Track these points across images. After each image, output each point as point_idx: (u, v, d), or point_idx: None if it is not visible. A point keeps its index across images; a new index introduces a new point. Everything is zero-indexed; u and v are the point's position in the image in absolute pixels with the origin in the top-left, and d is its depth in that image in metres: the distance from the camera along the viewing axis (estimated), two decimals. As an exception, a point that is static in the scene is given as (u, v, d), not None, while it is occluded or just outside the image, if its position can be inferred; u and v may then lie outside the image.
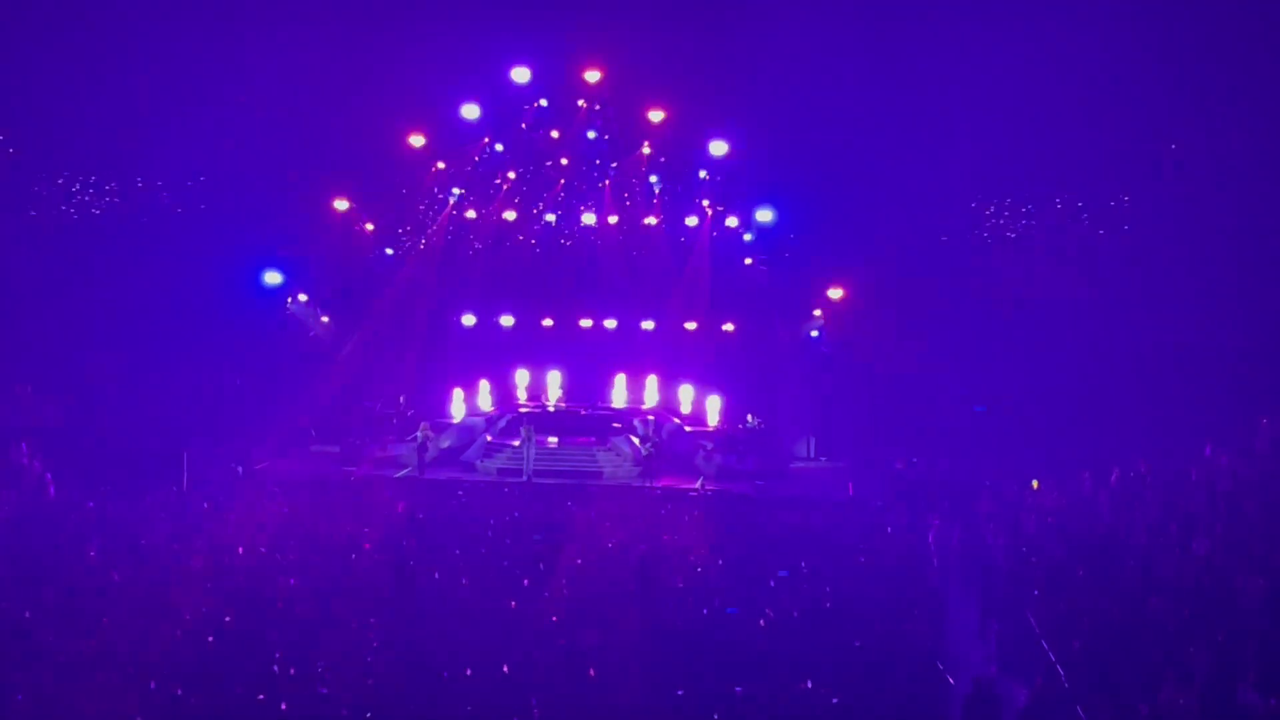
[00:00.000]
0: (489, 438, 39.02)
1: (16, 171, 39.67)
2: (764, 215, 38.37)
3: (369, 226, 40.35)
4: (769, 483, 35.25)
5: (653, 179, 40.22)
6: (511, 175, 40.61)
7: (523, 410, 41.08)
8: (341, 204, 38.63)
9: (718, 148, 37.43)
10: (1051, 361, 36.59)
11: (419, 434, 36.55)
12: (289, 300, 39.73)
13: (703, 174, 39.54)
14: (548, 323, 43.30)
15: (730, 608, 21.98)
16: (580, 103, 38.51)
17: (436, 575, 24.15)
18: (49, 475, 30.87)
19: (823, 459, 38.92)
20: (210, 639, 20.32)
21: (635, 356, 42.72)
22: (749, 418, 38.72)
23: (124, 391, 35.72)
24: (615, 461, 37.65)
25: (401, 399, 39.42)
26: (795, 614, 22.09)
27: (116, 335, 36.86)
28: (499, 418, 40.74)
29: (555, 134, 39.46)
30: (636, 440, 38.24)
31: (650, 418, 39.91)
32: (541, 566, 24.67)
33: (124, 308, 37.27)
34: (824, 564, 25.31)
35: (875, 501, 32.37)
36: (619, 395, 42.89)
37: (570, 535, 27.23)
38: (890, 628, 21.22)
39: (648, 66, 36.69)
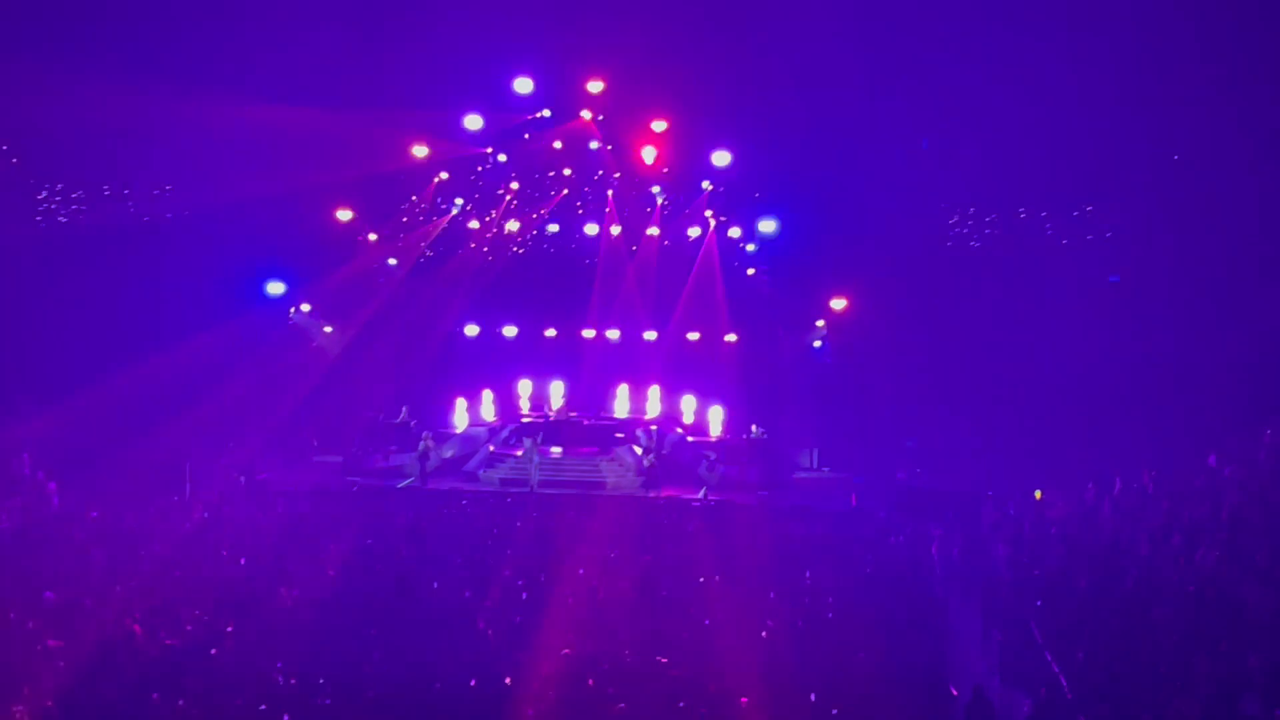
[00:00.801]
0: (492, 448, 39.01)
1: (19, 180, 39.71)
2: (767, 226, 38.40)
3: (372, 237, 40.37)
4: (772, 493, 35.24)
5: (655, 190, 40.24)
6: (514, 185, 40.64)
7: (525, 420, 41.07)
8: (345, 214, 38.64)
9: (720, 158, 37.47)
10: (1055, 372, 36.60)
11: (421, 444, 36.55)
12: (292, 310, 39.75)
13: (705, 185, 39.57)
14: (551, 333, 43.31)
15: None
16: (583, 113, 38.54)
17: (437, 585, 24.12)
18: (52, 485, 30.87)
19: (826, 469, 38.87)
20: (212, 649, 20.31)
21: (638, 367, 42.72)
22: (752, 428, 38.69)
23: (127, 402, 35.69)
24: (618, 472, 37.63)
25: (404, 409, 39.36)
26: (799, 624, 22.07)
27: (119, 345, 36.83)
28: (502, 428, 40.72)
29: (558, 144, 39.51)
30: (639, 450, 38.24)
31: (653, 428, 39.91)
32: (543, 578, 24.64)
33: (127, 318, 37.27)
34: (827, 575, 25.26)
35: (878, 512, 32.32)
36: (622, 405, 42.85)
37: (572, 545, 27.18)
38: (893, 638, 21.18)
39: (650, 77, 36.71)
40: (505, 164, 39.86)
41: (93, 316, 37.39)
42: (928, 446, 36.80)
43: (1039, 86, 35.45)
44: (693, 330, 42.17)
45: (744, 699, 18.49)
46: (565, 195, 40.98)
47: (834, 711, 18.23)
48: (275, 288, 38.29)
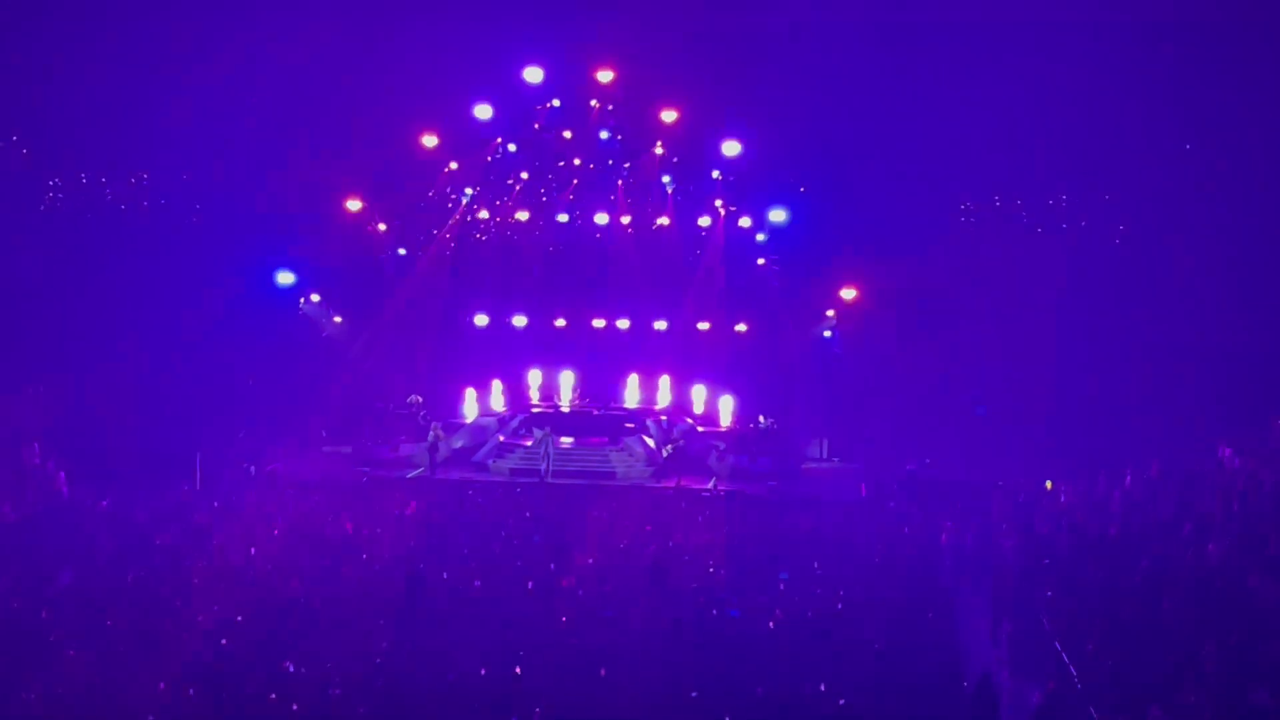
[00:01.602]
0: (501, 438, 38.99)
1: (28, 170, 39.83)
2: (777, 216, 38.32)
3: (382, 227, 40.36)
4: (782, 483, 35.17)
5: (665, 179, 40.18)
6: (524, 175, 40.61)
7: (535, 410, 41.06)
8: (354, 204, 38.62)
9: (731, 148, 37.37)
10: (1066, 362, 36.55)
11: (430, 434, 36.56)
12: (302, 300, 39.75)
13: (716, 174, 39.49)
14: (561, 323, 43.25)
15: (733, 610, 21.89)
16: (593, 103, 38.50)
17: (446, 575, 24.15)
18: (62, 475, 30.95)
19: (835, 460, 38.80)
20: (222, 639, 20.37)
21: (648, 357, 42.65)
22: (761, 418, 38.61)
23: (137, 392, 35.77)
24: (628, 462, 37.59)
25: (413, 399, 39.25)
26: (809, 614, 22.08)
27: (129, 336, 36.92)
28: (511, 418, 40.71)
29: (568, 134, 39.46)
30: (649, 440, 38.20)
31: (663, 418, 39.86)
32: (553, 567, 24.66)
33: (137, 308, 37.34)
34: (836, 565, 25.27)
35: (888, 502, 32.28)
36: (632, 395, 42.82)
37: (582, 535, 27.21)
38: (903, 628, 21.20)
39: (660, 66, 36.68)
40: (515, 154, 39.80)
41: (102, 307, 37.47)
42: (937, 437, 36.70)
43: (1053, 74, 35.39)
44: (703, 320, 42.09)
45: (756, 690, 18.54)
46: (575, 185, 40.92)
47: (841, 701, 18.25)
48: (285, 278, 38.26)
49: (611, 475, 36.55)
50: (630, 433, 39.13)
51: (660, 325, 42.33)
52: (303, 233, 38.68)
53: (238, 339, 37.51)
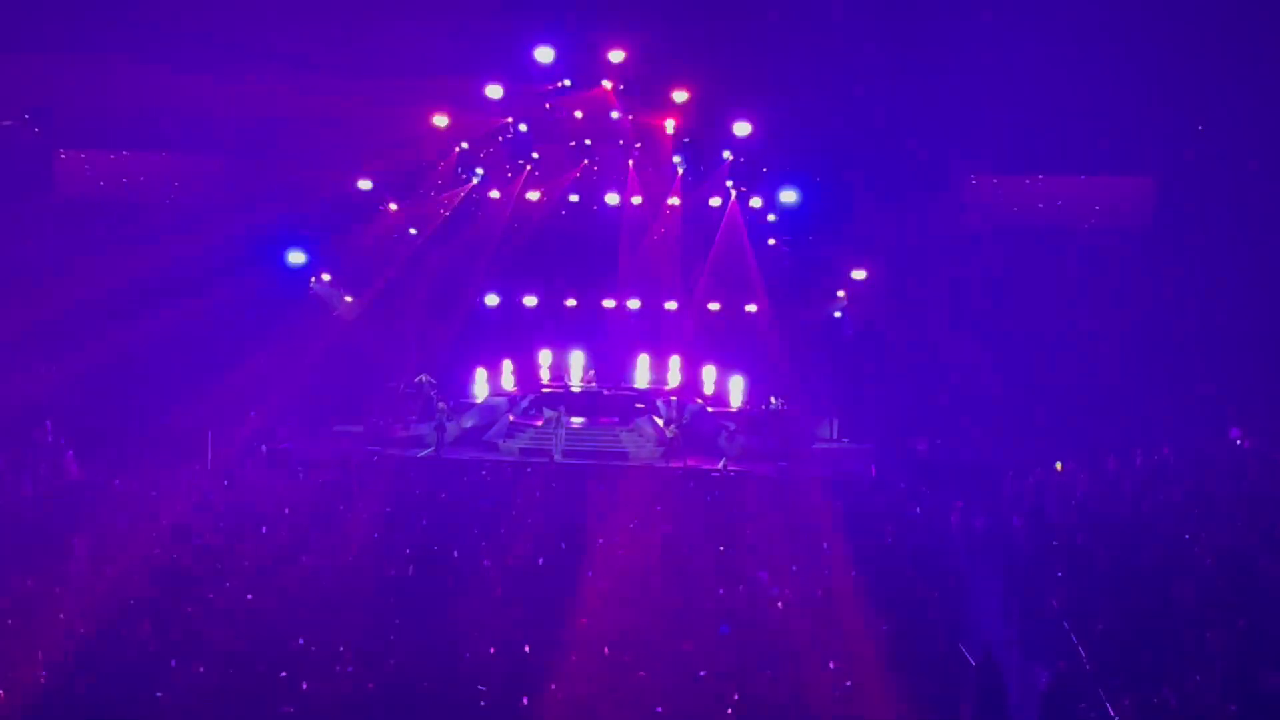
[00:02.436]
0: (512, 418, 39.04)
1: (41, 148, 39.89)
2: (788, 196, 38.26)
3: (392, 206, 40.34)
4: (792, 464, 35.16)
5: (676, 159, 40.11)
6: (535, 155, 40.56)
7: (545, 390, 41.08)
8: (365, 184, 38.61)
9: (742, 128, 37.29)
10: (1077, 344, 36.49)
11: (437, 414, 36.63)
12: (312, 280, 39.77)
13: (727, 154, 39.41)
14: (571, 303, 43.25)
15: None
16: (604, 83, 38.37)
17: (456, 554, 24.21)
18: (72, 454, 31.06)
19: (845, 440, 38.79)
20: (233, 617, 20.45)
21: (658, 337, 42.63)
22: (772, 399, 38.63)
23: (148, 370, 35.85)
24: (638, 442, 37.62)
25: (423, 378, 39.22)
26: (819, 594, 22.11)
27: (140, 314, 36.96)
28: (522, 398, 40.75)
29: (579, 114, 39.35)
30: (660, 420, 38.22)
31: (673, 398, 39.88)
32: (563, 546, 24.71)
33: (148, 286, 37.39)
34: (846, 545, 25.27)
35: (898, 483, 32.26)
36: (642, 376, 42.82)
37: (592, 515, 27.24)
38: (912, 610, 21.22)
39: (672, 47, 36.56)
40: (526, 133, 39.74)
41: (113, 285, 37.50)
42: (948, 417, 36.68)
43: (1065, 53, 35.24)
44: (713, 300, 42.07)
45: (765, 671, 18.57)
46: (586, 165, 40.86)
47: (848, 683, 18.28)
48: (296, 257, 38.29)
49: (622, 455, 36.60)
50: (641, 413, 39.15)
51: (671, 305, 42.30)
52: (313, 212, 38.67)
53: (248, 318, 37.53)
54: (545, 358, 43.32)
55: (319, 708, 17.51)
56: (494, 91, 37.23)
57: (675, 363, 42.50)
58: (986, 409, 36.44)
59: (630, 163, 40.32)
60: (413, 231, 41.23)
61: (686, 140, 39.26)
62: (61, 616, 20.07)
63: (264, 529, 25.54)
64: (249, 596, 21.41)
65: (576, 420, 38.55)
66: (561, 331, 43.17)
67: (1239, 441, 29.85)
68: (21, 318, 36.13)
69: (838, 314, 39.80)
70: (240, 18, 36.10)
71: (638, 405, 39.70)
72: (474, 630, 19.92)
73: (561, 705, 17.65)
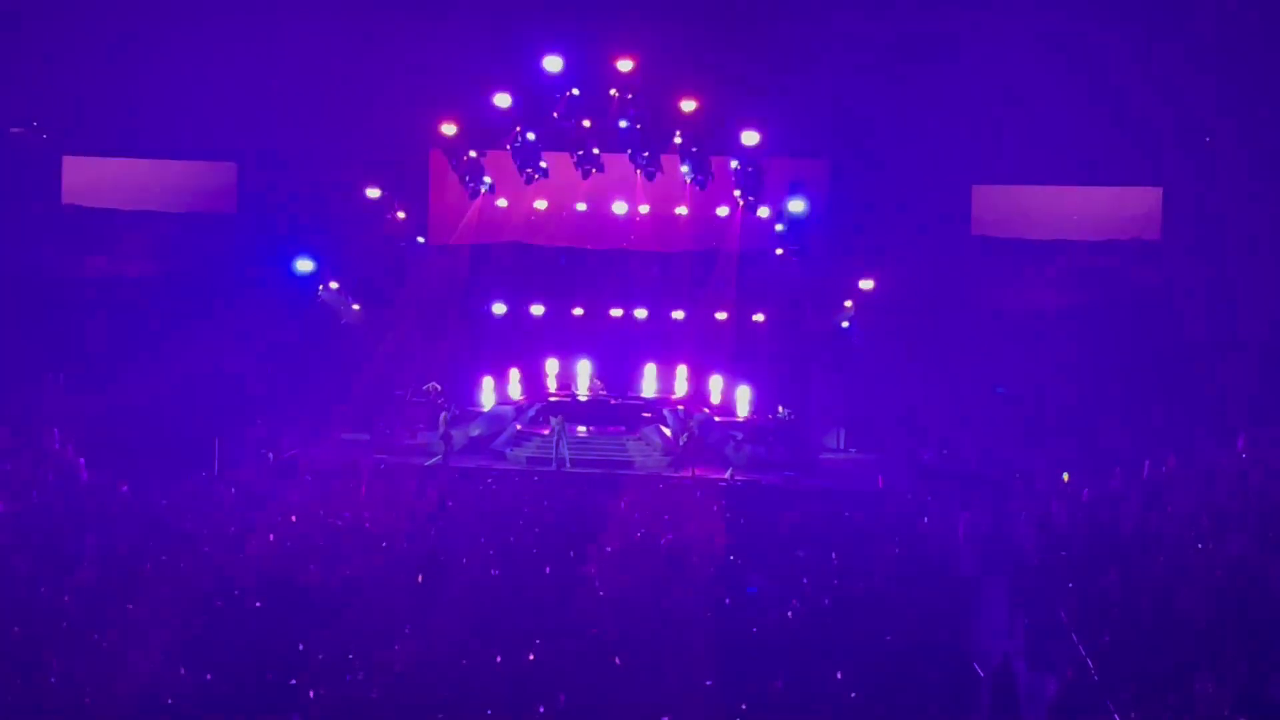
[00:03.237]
0: (518, 426, 39.04)
1: (47, 154, 39.99)
2: (795, 206, 38.25)
3: (400, 214, 40.35)
4: (798, 473, 35.19)
5: (684, 169, 40.10)
6: (544, 164, 40.54)
7: (552, 399, 41.08)
8: (373, 192, 38.65)
9: (750, 137, 37.30)
10: (1083, 353, 36.47)
11: (441, 423, 36.65)
12: (320, 288, 39.79)
13: (734, 164, 39.40)
14: (578, 312, 43.24)
15: (750, 587, 21.86)
16: (612, 92, 38.36)
17: (465, 562, 24.21)
18: (81, 460, 31.09)
19: (852, 450, 38.79)
20: (241, 625, 20.46)
21: (665, 346, 42.62)
22: (779, 408, 38.63)
23: (156, 378, 35.87)
24: (645, 451, 37.62)
25: (431, 386, 39.19)
26: (826, 603, 22.11)
27: (147, 321, 37.04)
28: (529, 406, 40.74)
29: (587, 123, 39.32)
30: (667, 430, 38.21)
31: (680, 408, 39.86)
32: (571, 554, 24.71)
33: (154, 293, 37.47)
34: (853, 555, 25.26)
35: (905, 493, 32.25)
36: (649, 385, 42.79)
37: (599, 524, 27.24)
38: (920, 620, 21.20)
39: (680, 56, 36.62)
40: (534, 142, 39.72)
41: (119, 292, 37.60)
42: (955, 428, 36.67)
43: (1073, 65, 35.30)
44: (721, 310, 42.07)
45: (774, 681, 18.56)
46: (593, 174, 40.85)
47: (853, 695, 18.26)
48: (304, 265, 38.33)
49: (629, 464, 36.61)
50: (647, 422, 39.16)
51: (678, 315, 42.29)
52: (322, 220, 38.73)
53: (256, 325, 37.56)
54: (552, 366, 43.29)
55: (328, 716, 17.51)
56: (502, 100, 37.24)
57: (682, 372, 42.50)
58: (993, 419, 36.44)
59: (638, 172, 40.29)
60: (420, 240, 41.26)
61: (694, 149, 39.23)
62: (69, 624, 20.07)
63: (271, 537, 25.53)
64: (257, 604, 21.41)
65: (583, 429, 38.56)
66: (568, 340, 43.12)
67: (1244, 455, 29.83)
68: (29, 327, 36.24)
69: (845, 324, 39.79)
70: (250, 26, 36.23)
71: (645, 415, 39.68)
72: (482, 638, 19.91)
73: (570, 714, 17.64)
